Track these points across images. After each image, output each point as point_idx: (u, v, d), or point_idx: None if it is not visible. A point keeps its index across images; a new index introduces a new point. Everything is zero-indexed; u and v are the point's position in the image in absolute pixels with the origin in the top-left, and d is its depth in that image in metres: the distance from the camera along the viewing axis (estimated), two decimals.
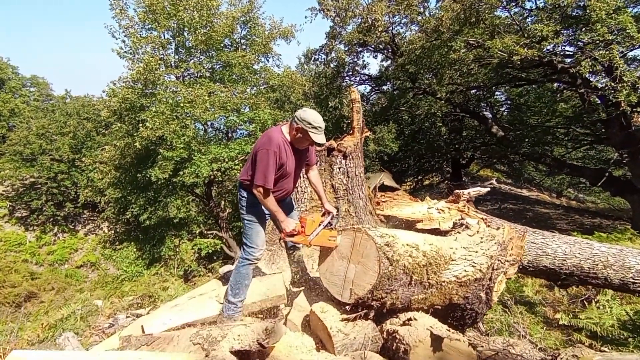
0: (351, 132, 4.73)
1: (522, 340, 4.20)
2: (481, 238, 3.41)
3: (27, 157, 21.74)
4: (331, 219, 3.16)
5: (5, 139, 24.56)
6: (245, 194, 3.23)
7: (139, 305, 4.41)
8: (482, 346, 3.32)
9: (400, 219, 4.80)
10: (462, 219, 3.97)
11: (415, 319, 2.84)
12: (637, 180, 10.97)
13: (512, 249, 3.46)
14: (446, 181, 19.48)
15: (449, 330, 2.71)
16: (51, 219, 22.81)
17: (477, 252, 3.25)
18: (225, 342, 2.55)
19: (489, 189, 5.63)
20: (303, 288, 3.61)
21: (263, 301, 3.34)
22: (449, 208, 4.99)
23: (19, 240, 22.24)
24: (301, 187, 4.50)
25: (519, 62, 9.71)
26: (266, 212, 3.26)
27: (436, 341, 2.56)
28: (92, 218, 24.56)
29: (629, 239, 8.07)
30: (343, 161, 4.48)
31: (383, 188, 6.52)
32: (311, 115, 2.97)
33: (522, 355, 3.39)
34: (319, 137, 3.00)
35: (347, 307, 2.94)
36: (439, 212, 4.92)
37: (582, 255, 4.72)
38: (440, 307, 3.17)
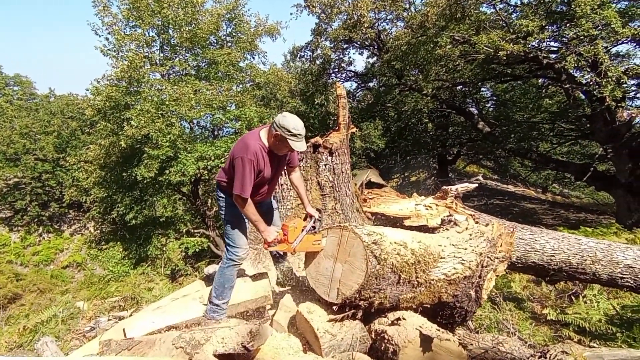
0: (337, 128, 4.65)
1: (511, 337, 4.18)
2: (470, 235, 3.36)
3: (10, 157, 21.44)
4: (314, 222, 3.04)
5: None
6: (222, 195, 3.12)
7: (122, 307, 4.28)
8: (472, 344, 3.29)
9: (387, 216, 4.75)
10: (450, 215, 3.93)
11: (404, 319, 2.78)
12: (621, 174, 11.09)
13: (501, 245, 3.42)
14: (432, 177, 19.57)
15: (438, 330, 2.66)
16: (36, 220, 22.57)
17: (466, 249, 3.20)
18: (209, 345, 2.46)
19: (476, 185, 5.61)
20: (289, 288, 3.54)
21: (248, 302, 3.24)
22: (436, 204, 4.95)
23: (3, 241, 21.97)
24: (287, 184, 4.40)
25: (504, 58, 9.72)
26: None
27: (426, 341, 2.50)
28: (77, 218, 24.32)
29: (614, 233, 8.13)
30: (329, 158, 4.39)
31: (370, 185, 6.44)
32: (291, 122, 2.80)
33: (511, 352, 3.36)
34: (299, 145, 2.85)
35: (334, 307, 2.87)
36: (427, 209, 4.88)
37: (571, 250, 4.71)
38: (429, 306, 3.12)
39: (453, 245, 3.23)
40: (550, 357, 3.65)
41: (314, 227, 3.03)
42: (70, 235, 24.49)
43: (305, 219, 3.12)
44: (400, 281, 2.83)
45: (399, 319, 2.79)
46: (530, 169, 18.93)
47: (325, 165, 4.39)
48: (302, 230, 2.95)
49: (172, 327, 2.96)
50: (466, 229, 3.52)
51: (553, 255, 4.69)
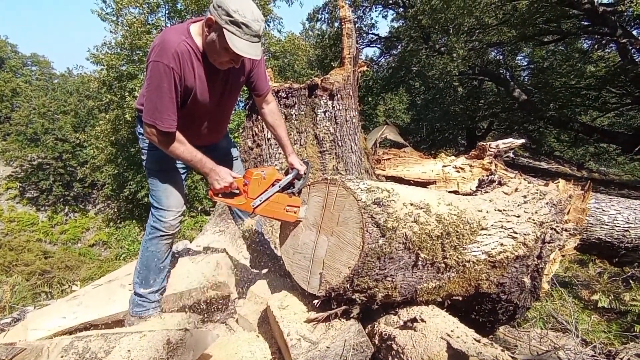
0: (341, 63, 3.59)
1: (564, 334, 3.25)
2: (524, 197, 2.29)
3: (30, 137, 21.72)
4: (294, 178, 2.05)
5: (10, 120, 24.60)
6: (143, 131, 2.00)
7: (50, 294, 3.44)
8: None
9: (407, 180, 3.73)
10: (492, 173, 2.86)
11: (422, 320, 1.78)
12: None
13: (569, 212, 2.36)
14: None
15: (477, 341, 1.65)
16: (61, 199, 23.20)
17: (518, 216, 2.15)
18: None
19: (523, 141, 4.49)
20: (266, 271, 2.58)
21: (193, 291, 2.26)
22: (470, 165, 3.89)
23: (31, 220, 22.57)
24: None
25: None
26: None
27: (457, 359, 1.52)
28: (100, 197, 24.86)
29: None
30: (329, 102, 3.33)
31: (387, 144, 5.41)
32: (234, 1, 1.63)
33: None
34: (242, 45, 1.66)
35: (315, 302, 1.89)
36: (458, 171, 3.84)
37: None
38: (460, 299, 2.11)
39: (499, 210, 2.19)
40: None
41: (292, 185, 2.03)
42: (95, 215, 24.92)
43: (286, 174, 2.13)
44: (418, 263, 1.83)
45: (415, 319, 1.80)
46: (568, 143, 17.28)
47: (324, 112, 3.34)
48: (273, 184, 1.97)
49: (89, 326, 2.09)
50: (516, 190, 2.47)
51: (627, 230, 3.54)
